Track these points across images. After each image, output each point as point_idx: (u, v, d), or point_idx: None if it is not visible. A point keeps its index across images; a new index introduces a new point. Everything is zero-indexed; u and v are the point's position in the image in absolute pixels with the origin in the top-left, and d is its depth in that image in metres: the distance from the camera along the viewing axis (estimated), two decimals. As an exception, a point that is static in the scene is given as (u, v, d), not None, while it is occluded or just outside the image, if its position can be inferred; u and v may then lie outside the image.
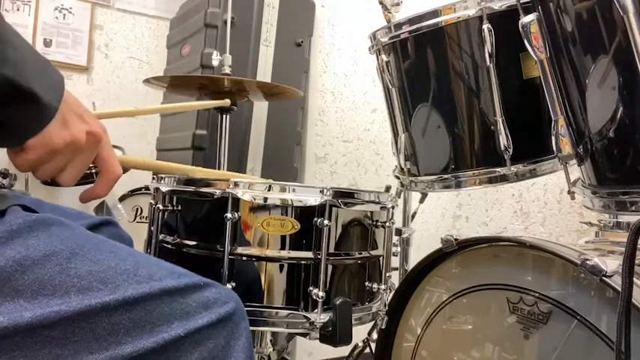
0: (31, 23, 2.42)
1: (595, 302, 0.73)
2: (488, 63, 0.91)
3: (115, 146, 1.56)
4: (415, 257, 1.19)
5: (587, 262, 0.68)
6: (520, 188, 1.44)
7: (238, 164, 2.03)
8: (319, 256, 0.84)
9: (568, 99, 0.73)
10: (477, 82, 0.95)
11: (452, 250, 0.93)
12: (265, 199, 0.84)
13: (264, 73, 2.08)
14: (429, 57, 0.99)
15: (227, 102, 0.94)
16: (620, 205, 0.68)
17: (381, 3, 1.09)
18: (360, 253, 0.92)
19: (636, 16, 0.57)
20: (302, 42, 2.19)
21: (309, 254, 0.85)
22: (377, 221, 0.94)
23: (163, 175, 0.94)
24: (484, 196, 1.54)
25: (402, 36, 0.99)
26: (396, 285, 1.06)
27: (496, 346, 0.88)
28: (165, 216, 0.92)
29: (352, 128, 2.08)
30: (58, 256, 0.54)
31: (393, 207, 0.98)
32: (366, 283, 0.93)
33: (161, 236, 0.92)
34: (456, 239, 0.91)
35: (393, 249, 1.04)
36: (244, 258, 0.85)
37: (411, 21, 0.98)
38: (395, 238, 1.12)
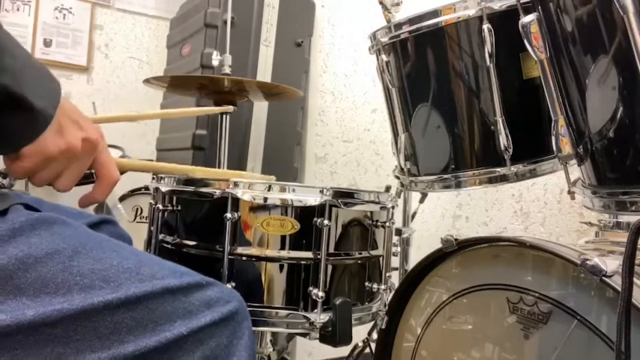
0: (31, 23, 2.42)
1: (595, 302, 0.73)
2: (488, 63, 0.91)
3: (114, 146, 1.56)
4: (415, 257, 1.19)
5: (587, 262, 0.68)
6: (520, 188, 1.44)
7: (238, 164, 2.03)
8: (319, 256, 0.84)
9: (568, 99, 0.73)
10: (477, 82, 0.95)
11: (452, 250, 0.93)
12: (265, 199, 0.84)
13: (264, 73, 2.08)
14: (429, 57, 0.99)
15: (230, 108, 0.93)
16: (620, 205, 0.68)
17: (381, 3, 1.09)
18: (360, 253, 0.92)
19: (636, 16, 0.57)
20: (302, 42, 2.19)
21: (309, 254, 0.85)
22: (377, 221, 0.94)
23: (163, 175, 0.94)
24: (484, 196, 1.54)
25: (402, 36, 0.99)
26: (396, 285, 1.06)
27: (496, 346, 0.88)
28: (165, 216, 0.92)
29: (352, 128, 2.08)
30: (60, 254, 0.54)
31: (393, 207, 0.98)
32: (366, 283, 0.93)
33: (161, 236, 0.92)
34: (456, 239, 0.91)
35: (393, 249, 1.04)
36: (244, 258, 0.85)
37: (411, 21, 0.98)
38: (395, 238, 1.12)
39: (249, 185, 0.84)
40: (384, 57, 1.04)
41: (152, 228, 0.94)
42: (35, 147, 0.54)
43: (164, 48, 2.40)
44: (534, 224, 1.41)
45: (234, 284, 0.82)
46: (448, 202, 1.65)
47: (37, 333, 0.51)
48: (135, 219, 2.04)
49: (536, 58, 0.74)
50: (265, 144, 2.11)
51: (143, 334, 0.54)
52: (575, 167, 0.77)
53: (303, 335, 0.87)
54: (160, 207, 0.91)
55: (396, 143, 1.08)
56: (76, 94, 2.51)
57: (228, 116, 1.56)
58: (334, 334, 0.82)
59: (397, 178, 1.15)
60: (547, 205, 1.38)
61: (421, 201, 1.32)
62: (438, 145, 1.01)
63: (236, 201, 0.83)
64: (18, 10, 2.40)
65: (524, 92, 0.95)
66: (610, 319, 0.71)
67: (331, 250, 0.86)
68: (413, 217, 1.33)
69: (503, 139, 0.92)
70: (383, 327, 1.01)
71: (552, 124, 0.75)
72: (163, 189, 0.92)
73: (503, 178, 0.95)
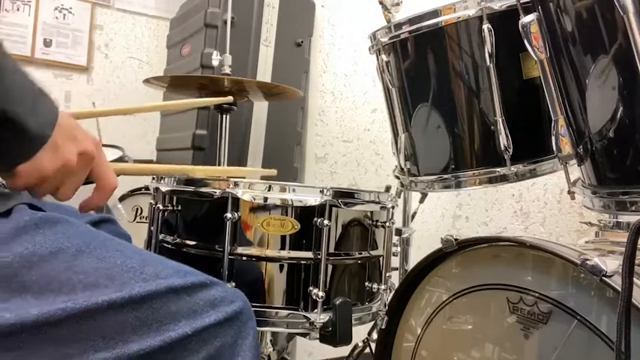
0: (31, 23, 2.42)
1: (595, 302, 0.73)
2: (488, 63, 0.91)
3: (114, 146, 1.56)
4: (415, 257, 1.19)
5: (587, 262, 0.68)
6: (520, 188, 1.44)
7: (238, 164, 2.03)
8: (319, 256, 0.84)
9: (568, 99, 0.73)
10: (477, 82, 0.95)
11: (452, 250, 0.93)
12: (265, 198, 0.84)
13: (264, 73, 2.08)
14: (429, 57, 0.99)
15: (229, 99, 0.93)
16: (620, 205, 0.68)
17: (381, 3, 1.09)
18: (360, 253, 0.92)
19: (636, 16, 0.57)
20: (302, 42, 2.19)
21: (309, 254, 0.85)
22: (377, 221, 0.94)
23: (163, 175, 0.94)
24: (484, 196, 1.54)
25: (402, 36, 0.99)
26: (396, 285, 1.06)
27: (496, 346, 0.88)
28: (165, 216, 0.92)
29: (352, 128, 2.08)
30: (64, 252, 0.54)
31: (393, 207, 0.98)
32: (366, 283, 0.93)
33: (161, 236, 0.92)
34: (456, 239, 0.91)
35: (393, 249, 1.04)
36: (244, 258, 0.85)
37: (411, 21, 0.98)
38: (395, 238, 1.12)
39: (250, 185, 0.84)
40: (384, 57, 1.04)
41: (152, 228, 0.94)
42: (31, 165, 0.55)
43: (164, 48, 2.40)
44: (534, 224, 1.41)
45: (234, 284, 0.82)
46: (448, 202, 1.65)
47: (40, 332, 0.51)
48: (135, 219, 2.04)
49: (536, 58, 0.74)
50: (265, 144, 2.11)
51: (147, 333, 0.54)
52: (575, 167, 0.77)
53: (303, 335, 0.87)
54: (160, 207, 0.91)
55: (396, 143, 1.08)
56: (76, 94, 2.51)
57: (228, 116, 1.56)
58: (334, 334, 0.82)
59: (397, 178, 1.15)
60: (547, 205, 1.38)
61: (421, 201, 1.31)
62: (438, 145, 1.01)
63: (236, 201, 0.84)
64: (18, 10, 2.40)
65: (524, 92, 0.95)
66: (610, 319, 0.71)
67: (331, 250, 0.86)
68: (413, 217, 1.33)
69: (503, 139, 0.92)
70: (383, 327, 1.01)
71: (552, 124, 0.75)
72: (163, 189, 0.92)
73: (503, 178, 0.95)
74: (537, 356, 0.81)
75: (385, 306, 0.98)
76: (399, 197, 1.27)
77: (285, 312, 0.85)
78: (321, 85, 2.24)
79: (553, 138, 0.75)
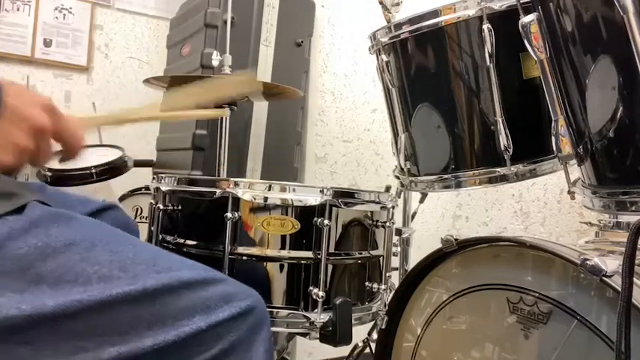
0: (31, 23, 2.42)
1: (595, 302, 0.73)
2: (488, 63, 0.91)
3: (114, 146, 1.55)
4: (415, 257, 1.19)
5: (587, 262, 0.68)
6: (520, 188, 1.44)
7: (238, 164, 2.03)
8: (319, 256, 0.84)
9: (568, 99, 0.73)
10: (477, 82, 0.95)
11: (452, 250, 0.93)
12: (265, 198, 0.84)
13: (264, 73, 2.08)
14: (429, 57, 0.99)
15: (225, 112, 0.92)
16: (620, 205, 0.67)
17: (381, 3, 1.09)
18: (360, 253, 0.92)
19: (636, 16, 0.57)
20: (302, 42, 2.18)
21: (309, 254, 0.85)
22: (377, 221, 0.94)
23: (164, 175, 0.94)
24: (484, 196, 1.54)
25: (402, 36, 0.99)
26: (396, 285, 1.06)
27: (496, 346, 0.88)
28: (166, 216, 0.92)
29: (352, 128, 2.08)
30: (78, 245, 0.55)
31: (393, 207, 0.98)
32: (366, 283, 0.93)
33: (161, 236, 0.92)
34: (456, 239, 0.91)
35: (393, 249, 1.04)
36: (244, 258, 0.85)
37: (411, 21, 0.98)
38: (395, 238, 1.12)
39: (250, 185, 0.85)
40: (384, 57, 1.04)
41: (152, 228, 0.94)
42: None
43: (164, 48, 2.40)
44: (534, 224, 1.41)
45: (234, 284, 0.82)
46: (448, 202, 1.65)
47: (56, 324, 0.51)
48: (135, 219, 2.04)
49: (536, 58, 0.74)
50: (265, 144, 2.11)
51: (162, 328, 0.55)
52: (575, 167, 0.77)
53: (304, 335, 0.87)
54: (161, 207, 0.91)
55: (396, 143, 1.08)
56: (76, 94, 2.51)
57: (228, 116, 1.56)
58: (334, 334, 0.82)
59: (397, 178, 1.15)
60: (547, 205, 1.38)
61: (421, 201, 1.32)
62: (438, 145, 1.01)
63: (236, 201, 0.84)
64: (18, 10, 2.40)
65: (524, 92, 0.95)
66: (610, 319, 0.71)
67: (331, 250, 0.86)
68: (413, 217, 1.33)
69: (503, 139, 0.92)
70: (383, 327, 1.01)
71: (552, 124, 0.75)
72: (164, 189, 0.92)
73: (503, 178, 0.95)
74: (537, 356, 0.81)
75: (385, 306, 0.98)
76: (399, 197, 1.27)
77: (285, 312, 0.85)
78: (321, 85, 2.24)
79: (553, 138, 0.75)
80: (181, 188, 0.90)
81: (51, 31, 2.46)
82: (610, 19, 0.62)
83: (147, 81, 1.48)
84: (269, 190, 0.85)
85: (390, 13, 1.09)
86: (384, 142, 1.89)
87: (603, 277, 0.66)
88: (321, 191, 0.85)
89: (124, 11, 2.63)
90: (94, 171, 1.39)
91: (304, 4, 2.22)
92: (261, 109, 2.09)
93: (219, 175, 1.60)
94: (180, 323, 0.56)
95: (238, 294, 0.62)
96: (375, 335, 1.20)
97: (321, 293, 0.83)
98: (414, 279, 1.02)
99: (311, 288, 0.84)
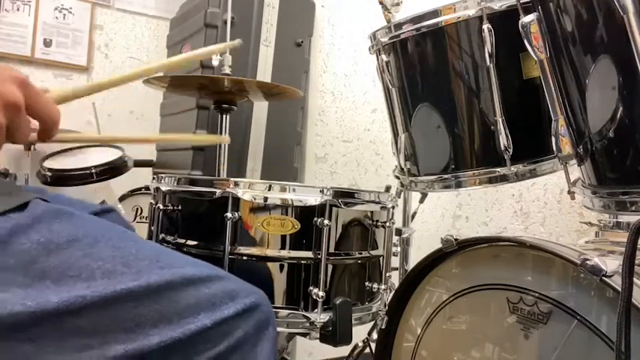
0: (31, 23, 2.42)
1: (595, 302, 0.73)
2: (488, 63, 0.91)
3: (114, 146, 1.55)
4: (415, 257, 1.19)
5: (587, 262, 0.68)
6: (520, 188, 1.44)
7: (238, 164, 2.03)
8: (319, 256, 0.84)
9: (568, 99, 0.73)
10: (477, 82, 0.95)
11: (452, 250, 0.93)
12: (265, 198, 0.84)
13: (264, 73, 2.08)
14: (429, 57, 0.99)
15: (227, 139, 0.89)
16: (620, 205, 0.67)
17: (381, 3, 1.09)
18: (360, 253, 0.92)
19: (636, 16, 0.57)
20: (302, 42, 2.18)
21: (310, 254, 0.85)
22: (377, 221, 0.94)
23: (164, 175, 0.94)
24: (484, 196, 1.54)
25: (402, 36, 0.99)
26: (396, 285, 1.06)
27: (496, 346, 0.88)
28: (166, 216, 0.92)
29: (352, 128, 2.08)
30: (80, 242, 0.55)
31: (393, 207, 0.98)
32: (366, 283, 0.93)
33: (161, 236, 0.92)
34: (456, 239, 0.91)
35: (393, 249, 1.04)
36: (244, 258, 0.85)
37: (411, 21, 0.98)
38: (395, 238, 1.12)
39: (250, 185, 0.85)
40: (384, 57, 1.04)
41: (152, 228, 0.94)
42: None
43: (164, 48, 2.40)
44: (534, 224, 1.41)
45: (234, 284, 0.82)
46: (448, 202, 1.65)
47: (61, 321, 0.51)
48: (135, 219, 2.04)
49: (536, 58, 0.74)
50: (265, 144, 2.11)
51: (168, 326, 0.55)
52: (575, 167, 0.77)
53: (304, 335, 0.87)
54: (161, 207, 0.91)
55: (396, 143, 1.08)
56: (76, 94, 2.51)
57: (228, 116, 1.56)
58: (334, 334, 0.82)
59: (397, 178, 1.15)
60: (547, 205, 1.38)
61: (421, 201, 1.32)
62: (438, 145, 1.01)
63: (236, 201, 0.84)
64: (18, 10, 2.40)
65: (524, 92, 0.95)
66: (610, 319, 0.71)
67: (331, 250, 0.86)
68: (413, 217, 1.33)
69: (503, 139, 0.92)
70: (383, 327, 1.01)
71: (552, 124, 0.75)
72: (164, 189, 0.92)
73: (503, 178, 0.95)
74: (537, 356, 0.81)
75: (385, 306, 0.98)
76: (399, 197, 1.27)
77: (285, 312, 0.85)
78: (321, 85, 2.24)
79: (553, 138, 0.75)
80: (181, 188, 0.90)
81: (51, 31, 2.46)
82: (610, 19, 0.62)
83: (147, 81, 1.48)
84: (269, 190, 0.85)
85: (390, 13, 1.09)
86: (384, 142, 1.89)
87: (603, 277, 0.66)
88: (321, 191, 0.85)
89: (124, 11, 2.63)
90: (94, 171, 1.39)
91: (304, 4, 2.23)
92: (261, 109, 2.09)
93: (219, 175, 1.60)
94: (185, 320, 0.56)
95: (242, 291, 0.62)
96: (375, 335, 1.20)
97: (321, 293, 0.83)
98: (414, 279, 1.02)
99: (311, 288, 0.84)
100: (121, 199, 2.00)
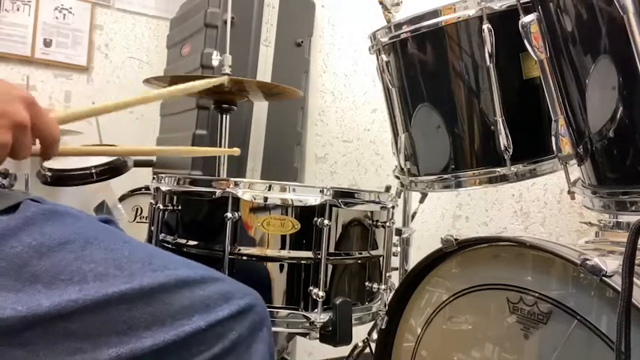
0: (31, 23, 2.42)
1: (595, 302, 0.73)
2: (488, 63, 0.91)
3: (114, 146, 1.55)
4: (415, 257, 1.19)
5: (587, 262, 0.68)
6: (520, 188, 1.44)
7: (238, 164, 2.03)
8: (319, 256, 0.84)
9: (568, 99, 0.73)
10: (477, 82, 0.95)
11: (452, 250, 0.93)
12: (265, 198, 0.84)
13: (264, 73, 2.08)
14: (429, 57, 0.99)
15: (237, 151, 0.87)
16: (620, 205, 0.67)
17: (381, 3, 1.09)
18: (360, 253, 0.92)
19: (636, 16, 0.57)
20: (302, 42, 2.18)
21: (309, 254, 0.85)
22: (377, 221, 0.94)
23: (164, 175, 0.94)
24: (484, 196, 1.54)
25: (402, 36, 0.99)
26: (396, 285, 1.06)
27: (496, 346, 0.88)
28: (166, 216, 0.92)
29: (352, 128, 2.08)
30: (73, 244, 0.54)
31: (393, 207, 0.98)
32: (366, 283, 0.93)
33: (161, 236, 0.92)
34: (456, 239, 0.91)
35: (393, 249, 1.04)
36: (244, 257, 0.85)
37: (411, 21, 0.98)
38: (395, 238, 1.12)
39: (250, 185, 0.85)
40: (384, 57, 1.04)
41: (152, 228, 0.94)
42: None
43: (164, 48, 2.40)
44: (534, 224, 1.41)
45: (234, 284, 0.82)
46: (448, 202, 1.65)
47: (53, 326, 0.50)
48: (135, 219, 2.04)
49: (536, 58, 0.74)
50: (265, 144, 2.11)
51: (161, 328, 0.54)
52: (575, 167, 0.77)
53: (304, 335, 0.87)
54: (161, 207, 0.91)
55: (396, 143, 1.08)
56: (76, 94, 2.51)
57: (228, 116, 1.56)
58: (334, 334, 0.82)
59: (397, 178, 1.15)
60: (547, 205, 1.38)
61: (421, 201, 1.32)
62: (438, 145, 1.01)
63: (236, 201, 0.84)
64: (18, 10, 2.39)
65: (524, 92, 0.95)
66: (610, 319, 0.71)
67: (331, 250, 0.86)
68: (413, 217, 1.33)
69: (503, 139, 0.92)
70: (383, 327, 1.01)
71: (552, 124, 0.75)
72: (164, 188, 0.92)
73: (503, 178, 0.95)
74: (537, 356, 0.81)
75: (385, 306, 0.98)
76: (399, 197, 1.27)
77: (285, 312, 0.85)
78: (321, 85, 2.24)
79: (553, 138, 0.75)
80: (181, 188, 0.90)
81: (51, 31, 2.46)
82: (610, 19, 0.62)
83: (147, 81, 1.48)
84: (269, 190, 0.85)
85: (390, 13, 1.09)
86: (384, 142, 1.89)
87: (603, 277, 0.66)
88: (321, 191, 0.85)
89: (124, 11, 2.63)
90: (94, 171, 1.39)
91: (304, 4, 2.23)
92: (261, 109, 2.09)
93: (219, 175, 1.60)
94: (179, 323, 0.55)
95: (237, 292, 0.62)
96: (375, 335, 1.20)
97: (321, 293, 0.83)
98: (414, 279, 1.02)
99: (311, 288, 0.84)
100: (121, 199, 2.00)
